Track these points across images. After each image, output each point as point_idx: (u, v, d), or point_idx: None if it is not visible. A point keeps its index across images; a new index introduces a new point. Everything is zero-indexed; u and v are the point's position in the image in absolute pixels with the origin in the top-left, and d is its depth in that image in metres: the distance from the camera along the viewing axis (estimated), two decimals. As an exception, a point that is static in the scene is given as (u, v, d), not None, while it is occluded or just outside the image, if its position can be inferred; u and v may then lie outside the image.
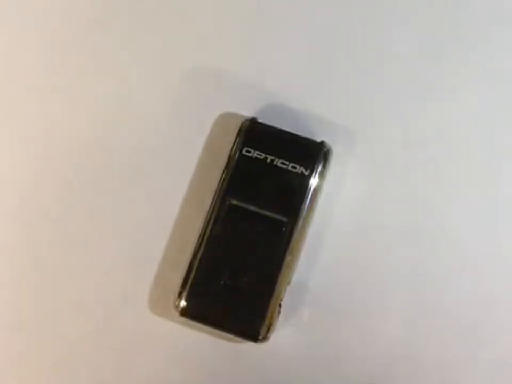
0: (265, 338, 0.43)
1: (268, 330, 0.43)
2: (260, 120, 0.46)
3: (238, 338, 0.44)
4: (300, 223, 0.44)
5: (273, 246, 0.43)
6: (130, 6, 0.50)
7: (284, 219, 0.43)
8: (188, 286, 0.44)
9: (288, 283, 0.44)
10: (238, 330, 0.43)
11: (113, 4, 0.50)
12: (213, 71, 0.49)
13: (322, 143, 0.45)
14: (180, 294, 0.44)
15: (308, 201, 0.44)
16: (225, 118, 0.48)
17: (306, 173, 0.44)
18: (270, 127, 0.45)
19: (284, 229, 0.43)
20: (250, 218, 0.43)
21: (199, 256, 0.44)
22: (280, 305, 0.43)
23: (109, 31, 0.50)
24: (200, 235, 0.44)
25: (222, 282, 0.43)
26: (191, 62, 0.49)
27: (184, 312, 0.44)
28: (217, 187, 0.45)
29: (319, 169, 0.44)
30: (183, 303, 0.44)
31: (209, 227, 0.44)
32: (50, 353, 0.46)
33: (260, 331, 0.43)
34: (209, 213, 0.44)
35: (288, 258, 0.43)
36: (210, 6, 0.50)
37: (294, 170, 0.44)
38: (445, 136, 0.48)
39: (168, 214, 0.47)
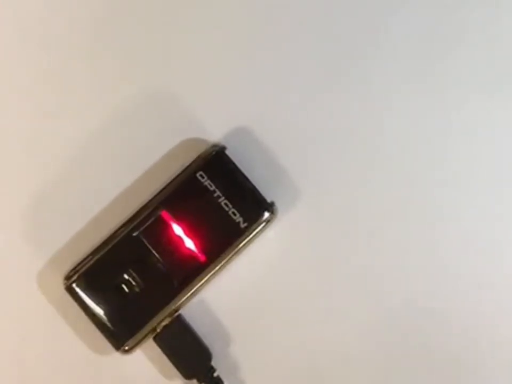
0: (129, 351, 0.43)
1: (135, 345, 0.43)
2: (227, 152, 0.45)
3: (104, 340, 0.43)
4: (212, 269, 0.43)
5: (179, 275, 0.44)
6: (90, 25, 0.47)
7: (201, 258, 0.44)
8: (86, 266, 0.43)
9: (171, 315, 0.44)
10: (108, 330, 0.43)
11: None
12: (181, 94, 0.46)
13: (271, 204, 0.45)
14: (75, 270, 0.44)
15: (230, 252, 0.44)
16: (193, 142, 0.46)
17: (242, 226, 0.43)
18: (233, 163, 0.44)
19: (196, 266, 0.44)
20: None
21: (108, 246, 0.44)
22: (155, 329, 0.43)
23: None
24: (119, 228, 0.44)
25: (118, 280, 0.44)
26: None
27: (70, 288, 0.43)
28: (155, 193, 0.44)
29: (256, 229, 0.44)
30: (74, 278, 0.43)
31: (132, 225, 0.44)
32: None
33: (128, 342, 0.43)
34: (138, 211, 0.44)
35: (185, 293, 0.43)
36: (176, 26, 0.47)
37: (233, 217, 0.44)
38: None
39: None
